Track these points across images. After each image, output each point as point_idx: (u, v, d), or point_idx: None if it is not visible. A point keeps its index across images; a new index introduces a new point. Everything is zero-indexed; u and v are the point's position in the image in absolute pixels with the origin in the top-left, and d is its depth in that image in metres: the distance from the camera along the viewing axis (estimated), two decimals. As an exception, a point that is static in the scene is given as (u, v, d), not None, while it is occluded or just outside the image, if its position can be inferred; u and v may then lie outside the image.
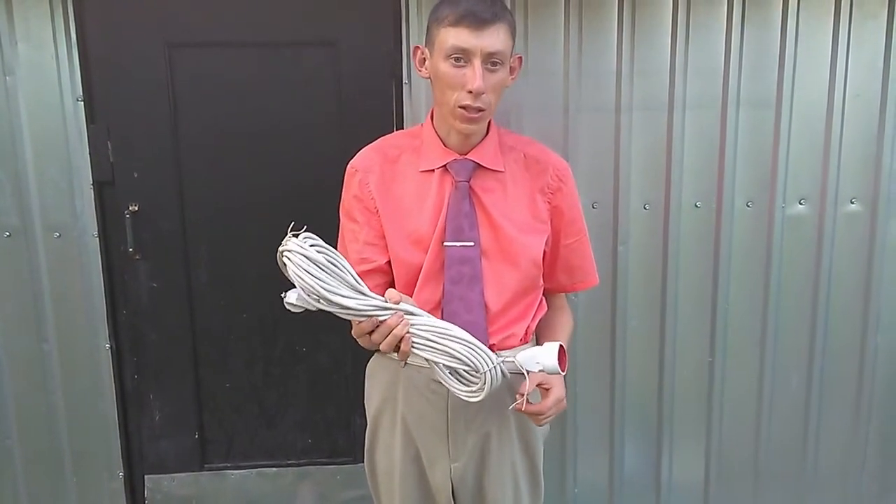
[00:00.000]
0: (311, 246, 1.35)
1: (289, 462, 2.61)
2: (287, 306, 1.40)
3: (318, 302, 1.35)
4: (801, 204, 2.41)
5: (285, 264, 1.35)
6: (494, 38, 1.49)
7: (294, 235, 1.36)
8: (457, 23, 1.48)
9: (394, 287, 1.65)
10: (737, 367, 2.51)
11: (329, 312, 1.39)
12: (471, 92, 1.50)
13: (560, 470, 2.55)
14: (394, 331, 1.39)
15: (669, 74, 2.31)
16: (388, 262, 1.64)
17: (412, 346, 1.41)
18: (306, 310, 1.39)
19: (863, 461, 2.61)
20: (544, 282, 1.71)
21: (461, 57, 1.50)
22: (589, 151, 2.34)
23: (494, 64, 1.52)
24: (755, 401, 2.54)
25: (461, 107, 1.53)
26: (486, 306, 1.62)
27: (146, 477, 2.57)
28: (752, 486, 2.61)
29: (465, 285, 1.59)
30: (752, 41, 2.30)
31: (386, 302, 1.39)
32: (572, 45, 2.28)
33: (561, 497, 2.57)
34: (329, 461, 2.61)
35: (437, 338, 1.41)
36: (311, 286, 1.33)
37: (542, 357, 1.43)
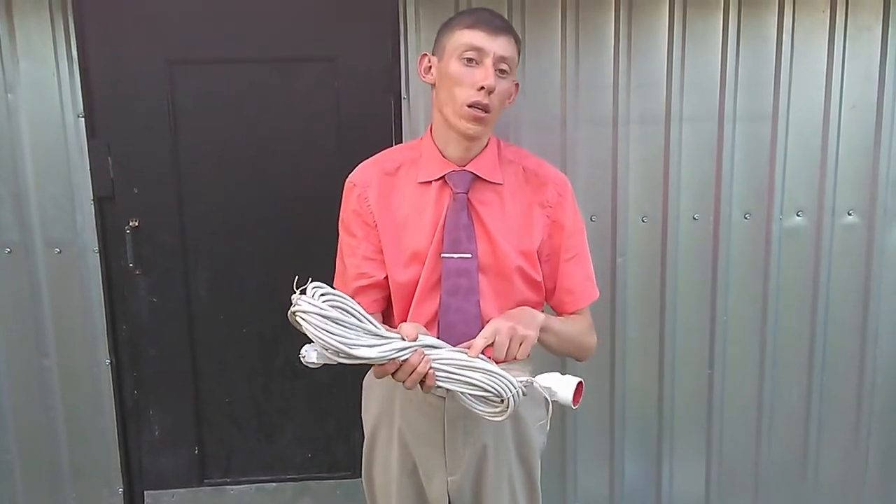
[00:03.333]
0: (322, 297, 1.33)
1: (288, 476, 2.60)
2: (306, 364, 1.39)
3: (339, 356, 1.34)
4: (798, 216, 2.42)
5: (299, 323, 1.34)
6: (506, 45, 1.57)
7: (301, 291, 1.34)
8: (473, 25, 1.55)
9: (391, 301, 1.66)
10: (736, 379, 2.51)
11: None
12: (482, 88, 1.53)
13: (560, 483, 2.55)
14: (416, 369, 1.38)
15: (666, 88, 2.33)
16: (387, 277, 1.65)
17: (435, 380, 1.41)
18: (325, 364, 1.39)
19: (863, 473, 2.60)
20: (546, 300, 1.71)
21: (474, 57, 1.55)
22: (587, 164, 2.35)
23: (503, 71, 1.57)
24: (755, 412, 2.54)
25: (469, 105, 1.55)
26: (482, 319, 1.62)
27: (146, 492, 2.57)
28: (753, 499, 2.60)
29: (461, 297, 1.60)
30: (748, 54, 2.32)
31: (403, 340, 1.39)
32: (569, 59, 2.30)
33: (561, 510, 2.57)
34: (328, 475, 2.61)
35: (458, 369, 1.41)
36: (333, 346, 1.32)
37: (559, 388, 1.43)
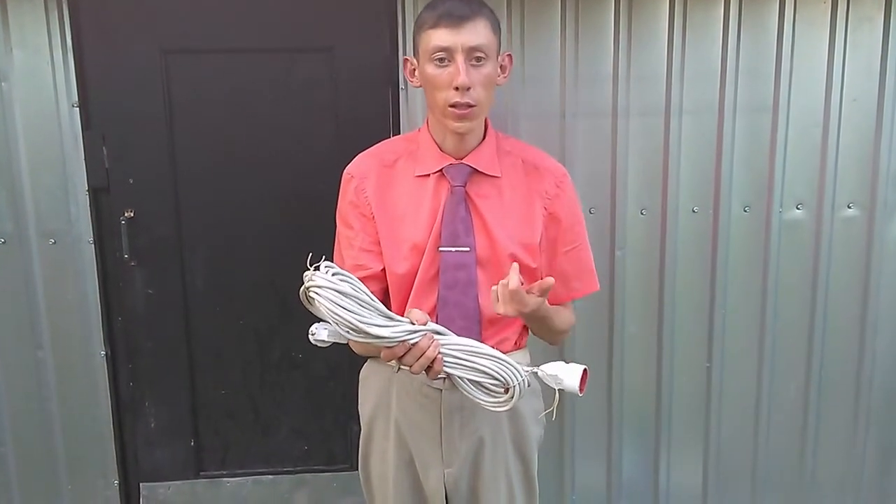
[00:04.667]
0: (335, 275, 1.32)
1: (285, 469, 2.60)
2: (315, 343, 1.38)
3: (350, 334, 1.33)
4: (798, 209, 2.41)
5: (312, 300, 1.33)
6: (473, 33, 1.52)
7: (315, 267, 1.33)
8: (435, 24, 1.52)
9: (388, 294, 1.65)
10: (735, 373, 2.50)
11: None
12: (457, 88, 1.52)
13: (558, 476, 2.54)
14: (426, 353, 1.38)
15: (666, 79, 2.31)
16: (384, 269, 1.63)
17: (443, 365, 1.40)
18: (335, 343, 1.38)
19: (861, 467, 2.60)
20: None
21: (444, 57, 1.53)
22: (586, 156, 2.34)
23: (479, 59, 1.54)
24: (753, 406, 2.53)
25: (451, 105, 1.54)
26: (480, 312, 1.61)
27: (141, 485, 2.56)
28: (750, 493, 2.60)
29: (459, 290, 1.59)
30: (749, 45, 2.30)
31: (413, 324, 1.38)
32: (569, 50, 2.28)
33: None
34: (325, 468, 2.60)
35: (466, 355, 1.41)
36: (348, 321, 1.31)
37: (565, 376, 1.42)
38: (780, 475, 2.60)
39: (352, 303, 1.32)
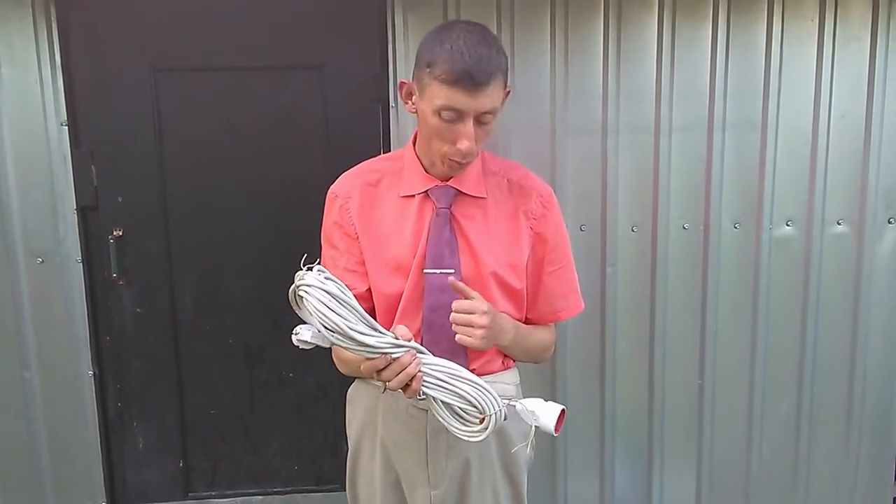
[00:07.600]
0: (327, 279, 1.31)
1: (275, 489, 2.57)
2: (297, 343, 1.36)
3: (333, 337, 1.32)
4: (787, 225, 2.42)
5: (300, 299, 1.31)
6: (489, 98, 1.44)
7: (308, 268, 1.32)
8: (451, 83, 1.41)
9: (375, 315, 1.63)
10: (727, 389, 2.50)
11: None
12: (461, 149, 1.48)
13: (551, 494, 2.53)
14: (406, 369, 1.36)
15: (655, 97, 2.32)
16: (369, 289, 1.62)
17: (422, 385, 1.39)
18: (317, 346, 1.37)
19: (854, 482, 2.59)
20: (527, 312, 1.69)
21: (454, 117, 1.45)
22: (576, 174, 2.34)
23: (486, 119, 1.48)
24: (745, 422, 2.53)
25: (449, 158, 1.51)
26: None
27: (129, 506, 2.54)
28: (744, 510, 2.60)
29: (444, 313, 1.56)
30: (737, 64, 2.32)
31: (398, 339, 1.37)
32: (559, 68, 2.29)
33: (551, 522, 2.55)
34: (315, 488, 2.58)
35: (446, 377, 1.39)
36: (334, 323, 1.29)
37: (541, 413, 1.41)
38: (773, 491, 2.59)
39: (340, 306, 1.31)
